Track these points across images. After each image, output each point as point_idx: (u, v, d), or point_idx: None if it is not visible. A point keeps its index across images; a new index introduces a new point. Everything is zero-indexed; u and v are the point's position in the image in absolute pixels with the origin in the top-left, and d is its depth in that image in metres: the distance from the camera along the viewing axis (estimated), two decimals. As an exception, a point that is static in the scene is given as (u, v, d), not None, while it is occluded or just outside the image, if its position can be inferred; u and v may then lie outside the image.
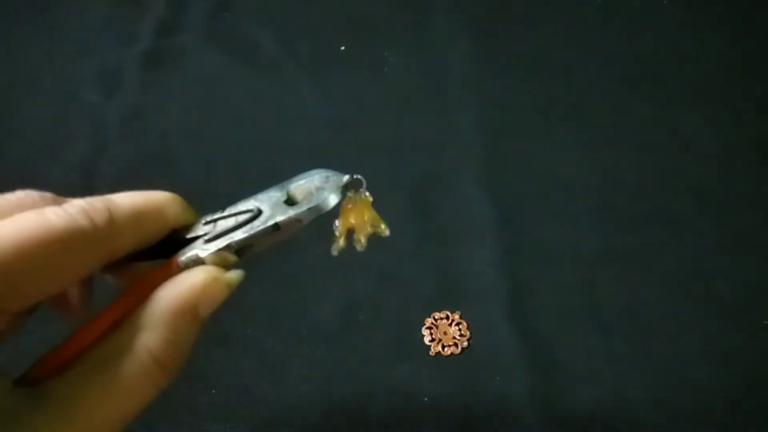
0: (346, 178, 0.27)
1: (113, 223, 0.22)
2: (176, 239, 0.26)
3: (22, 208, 0.22)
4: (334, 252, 0.27)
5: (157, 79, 0.54)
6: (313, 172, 0.27)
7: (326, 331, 0.42)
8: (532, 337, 0.41)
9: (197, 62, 0.54)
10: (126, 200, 0.24)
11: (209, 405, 0.40)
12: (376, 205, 0.28)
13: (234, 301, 0.41)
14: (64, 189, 0.51)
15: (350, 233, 0.28)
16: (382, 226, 0.28)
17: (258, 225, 0.25)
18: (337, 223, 0.28)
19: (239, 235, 0.25)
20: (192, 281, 0.23)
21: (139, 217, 0.24)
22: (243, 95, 0.53)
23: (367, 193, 0.28)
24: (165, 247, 0.25)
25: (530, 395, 0.39)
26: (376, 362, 0.41)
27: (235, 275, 0.25)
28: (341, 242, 0.28)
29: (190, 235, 0.26)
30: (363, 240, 0.28)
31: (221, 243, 0.25)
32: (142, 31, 0.56)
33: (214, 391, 0.40)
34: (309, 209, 0.25)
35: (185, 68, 0.54)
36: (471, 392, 0.40)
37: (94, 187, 0.48)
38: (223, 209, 0.26)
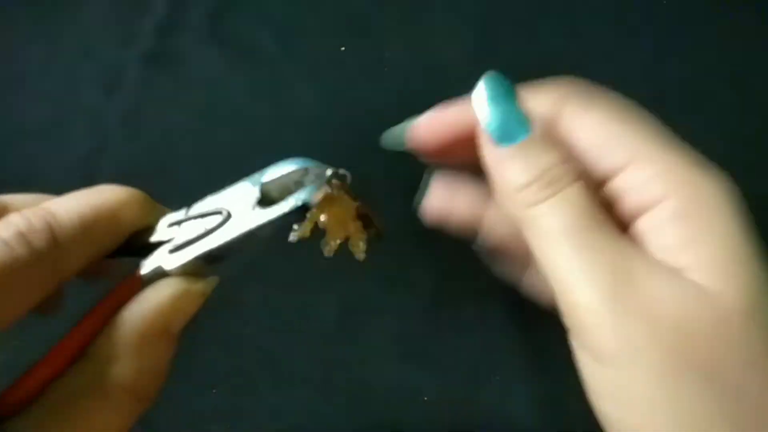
0: (329, 172, 0.22)
1: (57, 244, 0.19)
2: (140, 238, 0.22)
3: None
4: (293, 238, 0.23)
5: (157, 79, 0.54)
6: (290, 162, 0.23)
7: (326, 331, 0.42)
8: (533, 337, 0.41)
9: (197, 62, 0.54)
10: (72, 210, 0.20)
11: (209, 405, 0.40)
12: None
13: (234, 301, 0.41)
14: (64, 189, 0.51)
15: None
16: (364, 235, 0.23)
17: (228, 232, 0.21)
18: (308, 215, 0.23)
19: (207, 245, 0.21)
20: (158, 298, 0.20)
21: (87, 229, 0.20)
22: (243, 95, 0.53)
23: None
24: (129, 245, 0.22)
25: (530, 395, 0.39)
26: (376, 362, 0.41)
27: (207, 284, 0.22)
28: (307, 229, 0.23)
29: (152, 239, 0.22)
30: (361, 244, 0.24)
31: (188, 254, 0.21)
32: (142, 31, 0.56)
33: (214, 391, 0.40)
34: (286, 213, 0.22)
35: (185, 68, 0.54)
36: (471, 392, 0.40)
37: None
38: (189, 207, 0.23)
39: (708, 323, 0.18)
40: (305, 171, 0.23)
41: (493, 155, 0.22)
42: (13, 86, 0.54)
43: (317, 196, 0.22)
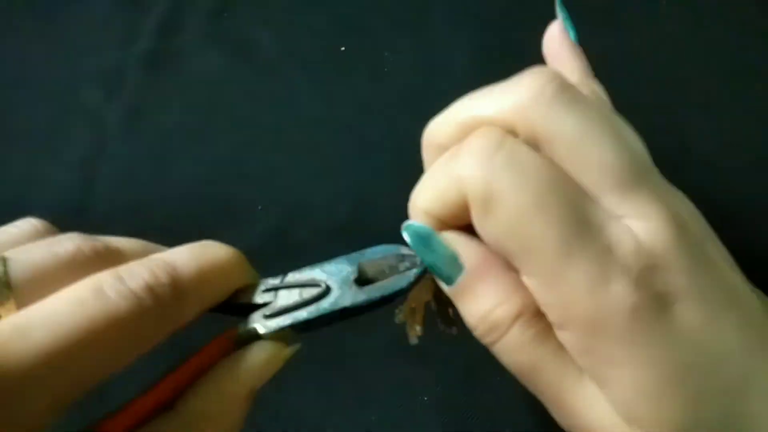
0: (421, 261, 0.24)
1: (180, 298, 0.20)
2: (235, 297, 0.23)
3: (74, 267, 0.19)
4: (414, 340, 0.26)
5: (157, 79, 0.54)
6: (387, 248, 0.25)
7: (326, 332, 0.42)
8: (532, 337, 0.41)
9: (197, 62, 0.54)
10: (192, 266, 0.21)
11: (209, 405, 0.40)
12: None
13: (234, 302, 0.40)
14: (64, 189, 0.51)
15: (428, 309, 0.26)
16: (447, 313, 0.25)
17: (326, 306, 0.23)
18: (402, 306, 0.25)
19: (303, 315, 0.23)
20: (254, 362, 0.22)
21: (205, 285, 0.21)
22: (243, 95, 0.53)
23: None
24: (224, 304, 0.23)
25: (530, 395, 0.39)
26: (376, 362, 0.41)
27: (293, 350, 0.24)
28: (418, 328, 0.26)
29: (247, 301, 0.23)
30: (418, 329, 0.26)
31: (283, 321, 0.23)
32: (142, 31, 0.56)
33: (214, 392, 0.40)
34: (381, 298, 0.23)
35: (185, 68, 0.54)
36: (471, 392, 0.40)
37: (94, 187, 0.48)
38: (284, 275, 0.24)
39: None
40: (401, 257, 0.24)
41: (445, 290, 0.23)
42: (13, 86, 0.54)
43: (417, 287, 0.24)
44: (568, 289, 0.19)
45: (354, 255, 0.25)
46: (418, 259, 0.24)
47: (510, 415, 0.39)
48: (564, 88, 0.22)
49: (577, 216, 0.19)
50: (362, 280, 0.24)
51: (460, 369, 0.40)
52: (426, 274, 0.24)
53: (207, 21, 0.57)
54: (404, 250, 0.24)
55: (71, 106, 0.52)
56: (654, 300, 0.19)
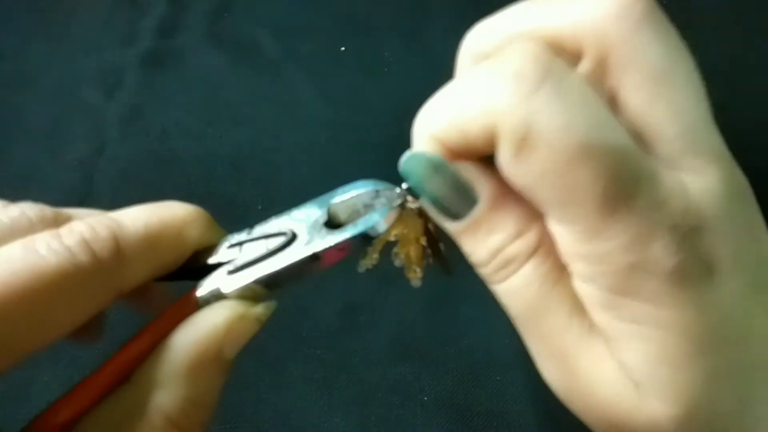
0: (400, 191, 0.21)
1: (121, 256, 0.18)
2: (199, 259, 0.21)
3: (14, 232, 0.18)
4: (362, 269, 0.22)
5: (157, 79, 0.54)
6: (359, 184, 0.22)
7: (326, 332, 0.42)
8: (532, 337, 0.41)
9: (197, 62, 0.54)
10: (137, 222, 0.19)
11: (209, 405, 0.40)
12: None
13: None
14: (64, 189, 0.51)
15: (386, 247, 0.23)
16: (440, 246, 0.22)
17: (292, 254, 0.20)
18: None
19: (269, 267, 0.20)
20: (213, 322, 0.19)
21: (153, 243, 0.19)
22: (243, 95, 0.53)
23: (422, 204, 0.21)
24: (187, 267, 0.21)
25: (530, 395, 0.39)
26: (376, 362, 0.41)
27: (265, 308, 0.21)
28: (375, 256, 0.22)
29: (211, 260, 0.21)
30: (418, 270, 0.23)
31: (248, 277, 0.20)
32: (142, 31, 0.56)
33: (214, 391, 0.40)
34: (354, 236, 0.20)
35: (185, 68, 0.54)
36: (471, 392, 0.40)
37: (94, 187, 0.48)
38: (251, 228, 0.22)
39: (638, 428, 0.18)
40: (376, 193, 0.22)
41: (448, 228, 0.20)
42: (14, 86, 0.54)
43: (388, 220, 0.21)
44: (606, 244, 0.17)
45: (324, 197, 0.22)
46: (395, 193, 0.21)
47: (510, 415, 0.39)
48: (656, 9, 0.18)
49: (630, 167, 0.17)
50: (334, 222, 0.21)
51: (460, 369, 0.40)
52: (405, 208, 0.21)
53: (207, 21, 0.57)
54: (379, 185, 0.22)
55: (72, 105, 0.52)
56: (696, 264, 0.17)
